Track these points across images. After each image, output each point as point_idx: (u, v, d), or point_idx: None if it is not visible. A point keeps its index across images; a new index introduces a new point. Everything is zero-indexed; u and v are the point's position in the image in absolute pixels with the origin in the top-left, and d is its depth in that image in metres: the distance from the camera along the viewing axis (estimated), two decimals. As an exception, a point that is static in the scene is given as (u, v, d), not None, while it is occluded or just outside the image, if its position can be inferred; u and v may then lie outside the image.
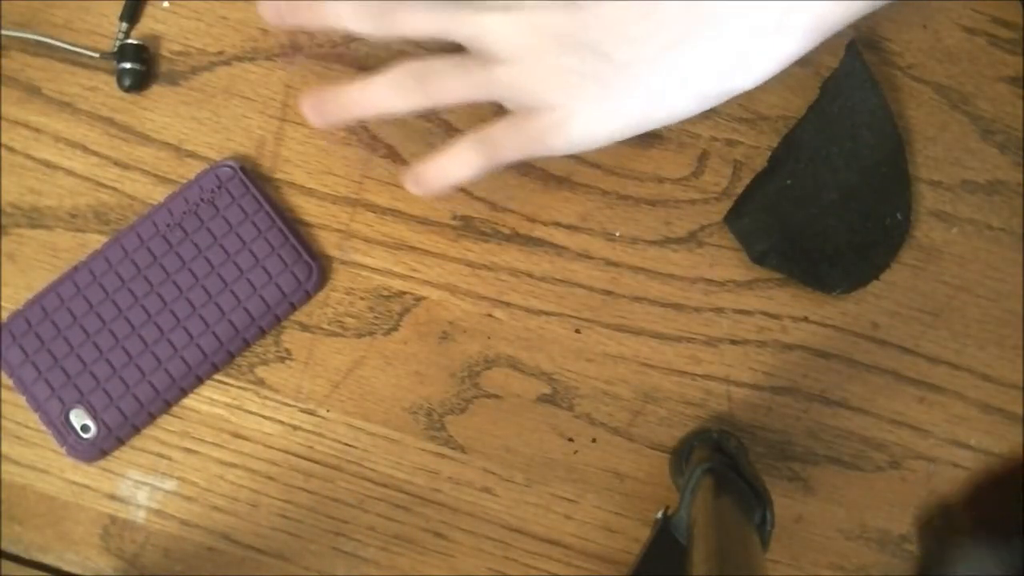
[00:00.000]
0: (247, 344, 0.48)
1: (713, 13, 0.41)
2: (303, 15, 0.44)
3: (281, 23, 0.44)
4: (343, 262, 0.49)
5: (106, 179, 0.49)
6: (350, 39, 0.49)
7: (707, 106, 0.43)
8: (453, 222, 0.49)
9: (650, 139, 0.49)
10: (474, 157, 0.44)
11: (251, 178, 0.48)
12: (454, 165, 0.44)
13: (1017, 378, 0.49)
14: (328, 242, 0.49)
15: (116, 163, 0.49)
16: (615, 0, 0.41)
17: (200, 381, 0.48)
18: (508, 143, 0.44)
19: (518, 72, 0.42)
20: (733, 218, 0.49)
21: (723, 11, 0.41)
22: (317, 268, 0.48)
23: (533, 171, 0.49)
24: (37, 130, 0.49)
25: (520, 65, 0.42)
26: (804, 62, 0.50)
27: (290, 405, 0.48)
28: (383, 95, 0.44)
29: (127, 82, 0.48)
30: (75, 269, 0.47)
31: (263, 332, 0.48)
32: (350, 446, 0.48)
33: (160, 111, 0.49)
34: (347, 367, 0.48)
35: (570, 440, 0.49)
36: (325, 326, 0.48)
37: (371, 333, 0.48)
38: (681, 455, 0.47)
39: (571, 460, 0.49)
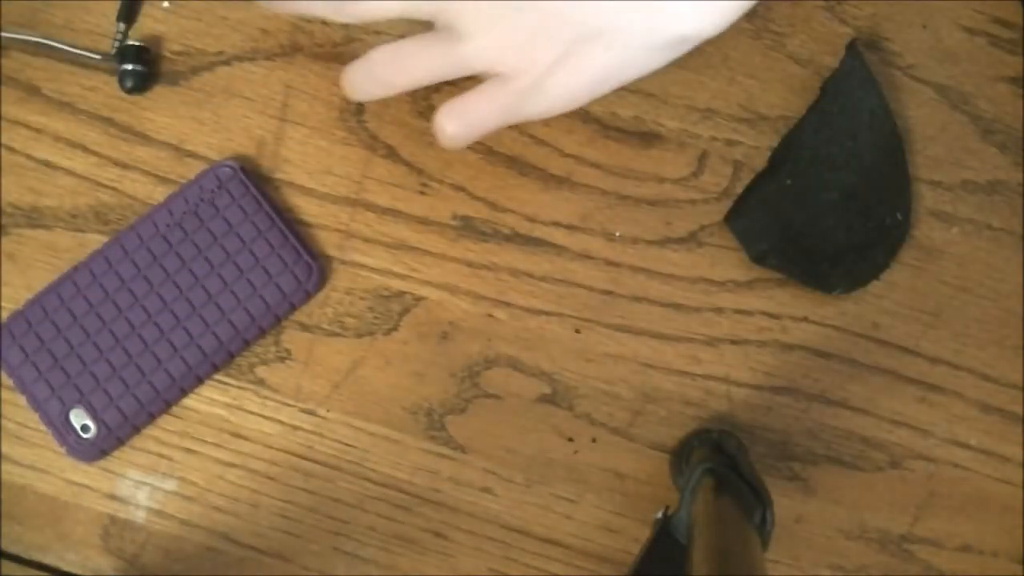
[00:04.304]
0: (247, 344, 0.48)
1: None
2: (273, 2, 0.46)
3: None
4: (343, 262, 0.49)
5: (106, 179, 0.49)
6: (350, 39, 0.49)
7: (674, 55, 0.43)
8: (453, 222, 0.49)
9: (650, 139, 0.49)
10: (453, 129, 0.44)
11: (251, 178, 0.48)
12: (437, 138, 0.45)
13: (1017, 378, 0.49)
14: (328, 242, 0.49)
15: (116, 163, 0.49)
16: None
17: (200, 381, 0.48)
18: (486, 112, 0.44)
19: (485, 42, 0.42)
20: (733, 218, 0.49)
21: None
22: (317, 268, 0.48)
23: (533, 171, 0.49)
24: (37, 130, 0.49)
25: (486, 35, 0.42)
26: (804, 62, 0.50)
27: (290, 405, 0.48)
28: (358, 84, 0.46)
29: (129, 84, 0.48)
30: (75, 269, 0.47)
31: (263, 332, 0.48)
32: (350, 446, 0.48)
33: (160, 111, 0.49)
34: (347, 367, 0.48)
35: (570, 440, 0.48)
36: (325, 326, 0.48)
37: (371, 333, 0.48)
38: (681, 455, 0.47)
39: (571, 460, 0.49)
